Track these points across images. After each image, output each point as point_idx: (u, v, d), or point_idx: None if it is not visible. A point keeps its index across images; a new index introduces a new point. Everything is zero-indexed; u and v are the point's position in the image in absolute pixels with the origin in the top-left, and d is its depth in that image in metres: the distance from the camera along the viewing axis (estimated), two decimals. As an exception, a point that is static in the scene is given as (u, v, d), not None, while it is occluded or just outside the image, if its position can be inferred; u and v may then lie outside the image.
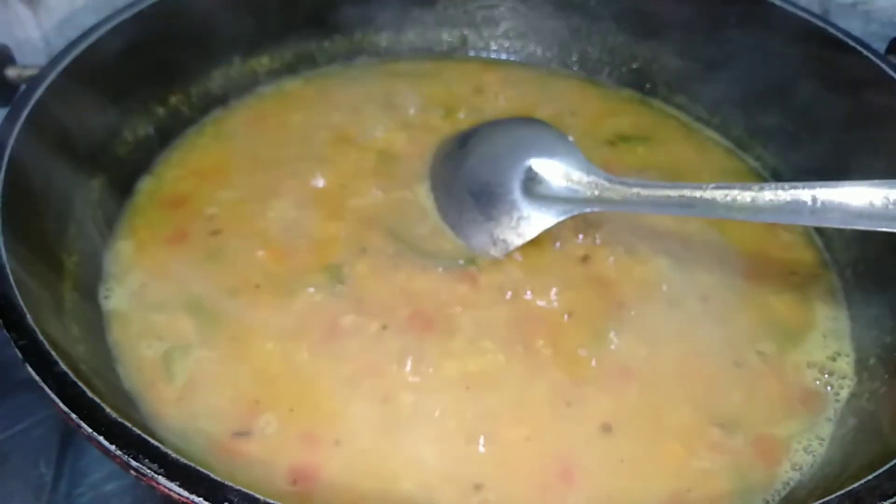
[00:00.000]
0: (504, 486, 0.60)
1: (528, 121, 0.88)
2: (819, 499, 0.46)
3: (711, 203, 0.67)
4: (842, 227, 0.63)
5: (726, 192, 0.67)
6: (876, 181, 0.60)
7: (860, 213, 0.60)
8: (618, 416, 0.65)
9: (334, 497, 0.58)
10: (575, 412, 0.65)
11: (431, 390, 0.66)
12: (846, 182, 0.61)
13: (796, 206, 0.63)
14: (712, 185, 0.68)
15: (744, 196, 0.66)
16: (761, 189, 0.65)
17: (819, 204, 0.62)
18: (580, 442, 0.64)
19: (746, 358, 0.71)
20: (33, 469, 0.72)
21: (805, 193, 0.63)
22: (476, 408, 0.65)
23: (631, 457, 0.63)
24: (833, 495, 0.44)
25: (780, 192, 0.64)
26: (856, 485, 0.44)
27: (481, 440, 0.63)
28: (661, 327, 0.72)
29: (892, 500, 0.44)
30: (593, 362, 0.69)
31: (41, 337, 0.50)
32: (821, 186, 0.62)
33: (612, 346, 0.70)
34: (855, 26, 1.15)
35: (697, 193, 0.68)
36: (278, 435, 0.62)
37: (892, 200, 0.60)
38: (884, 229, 0.60)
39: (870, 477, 0.45)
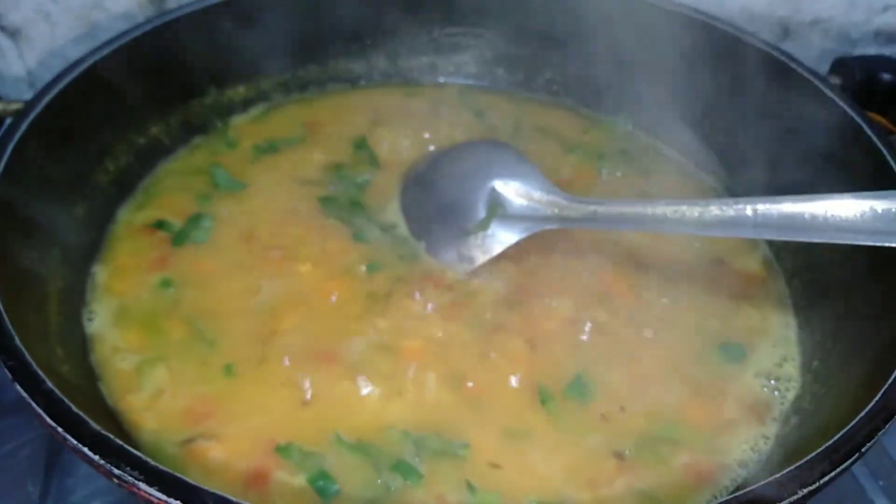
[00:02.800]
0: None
1: (492, 143, 0.93)
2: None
3: (662, 219, 0.71)
4: (782, 239, 0.67)
5: (675, 208, 0.71)
6: (813, 195, 0.64)
7: (799, 227, 0.65)
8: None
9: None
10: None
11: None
12: (786, 197, 0.65)
13: (740, 220, 0.67)
14: (662, 201, 0.72)
15: (692, 212, 0.70)
16: (707, 205, 0.69)
17: (760, 218, 0.66)
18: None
19: (701, 373, 0.74)
20: (21, 488, 0.74)
21: (748, 209, 0.67)
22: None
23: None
24: (758, 484, 0.48)
25: (724, 207, 0.68)
26: (779, 474, 0.48)
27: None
28: (615, 345, 0.75)
29: (811, 488, 0.48)
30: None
31: (29, 358, 0.54)
32: (762, 202, 0.66)
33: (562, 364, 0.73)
34: (814, 44, 1.20)
35: (649, 210, 0.72)
36: (234, 439, 0.65)
37: (828, 213, 0.64)
38: (821, 241, 0.64)
39: (791, 467, 0.49)
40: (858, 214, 0.63)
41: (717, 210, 0.69)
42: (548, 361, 0.73)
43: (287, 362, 0.71)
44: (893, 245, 0.61)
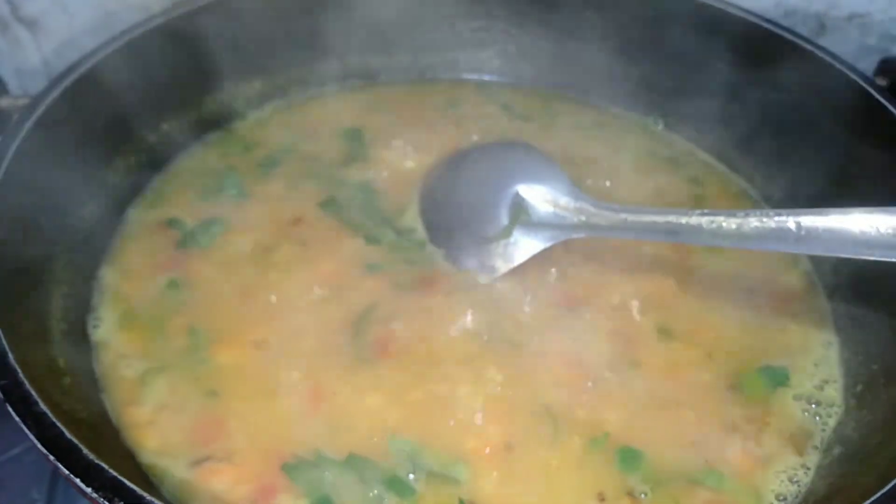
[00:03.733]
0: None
1: (516, 145, 0.89)
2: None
3: (697, 230, 0.67)
4: (827, 254, 0.63)
5: (712, 218, 0.67)
6: (863, 209, 0.60)
7: (846, 241, 0.60)
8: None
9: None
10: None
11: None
12: (832, 210, 0.61)
13: (781, 233, 0.63)
14: (698, 211, 0.68)
15: (729, 223, 0.66)
16: (747, 216, 0.65)
17: (804, 231, 0.62)
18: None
19: (740, 403, 0.70)
20: (25, 495, 0.73)
21: (790, 221, 0.63)
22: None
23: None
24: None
25: (765, 219, 0.64)
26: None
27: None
28: (645, 367, 0.71)
29: (865, 542, 0.44)
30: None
31: (22, 377, 0.51)
32: (806, 214, 0.62)
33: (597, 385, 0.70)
34: (852, 39, 1.15)
35: (683, 220, 0.68)
36: (241, 457, 0.63)
37: (879, 229, 0.59)
38: (870, 258, 0.60)
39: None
40: (912, 230, 0.58)
41: (757, 222, 0.64)
42: (568, 393, 0.69)
43: (287, 379, 0.69)
44: (951, 263, 0.57)
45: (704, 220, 0.67)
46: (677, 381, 0.70)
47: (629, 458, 0.65)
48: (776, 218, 0.63)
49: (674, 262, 0.80)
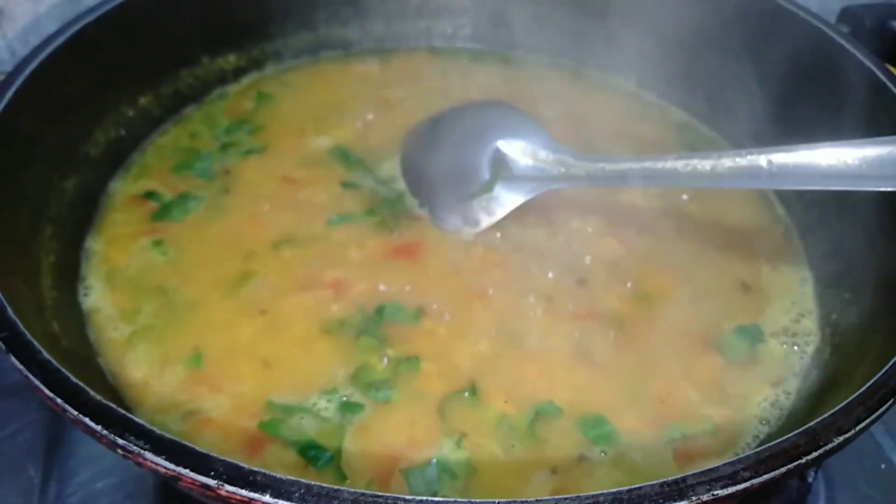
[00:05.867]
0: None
1: (495, 103, 0.90)
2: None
3: (673, 173, 0.69)
4: (797, 188, 0.66)
5: (686, 161, 0.69)
6: (828, 143, 0.62)
7: (814, 175, 0.62)
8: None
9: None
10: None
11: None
12: (800, 146, 0.63)
13: (754, 170, 0.65)
14: (673, 155, 0.70)
15: (703, 165, 0.68)
16: (720, 157, 0.67)
17: (775, 168, 0.64)
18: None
19: (715, 342, 0.72)
20: (22, 472, 0.73)
21: (762, 158, 0.65)
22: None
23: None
24: (792, 433, 0.46)
25: (738, 158, 0.66)
26: (812, 423, 0.47)
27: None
28: (628, 311, 0.73)
29: (846, 436, 0.46)
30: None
31: (23, 328, 0.51)
32: (776, 151, 0.64)
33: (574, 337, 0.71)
34: (813, 4, 1.18)
35: (659, 165, 0.70)
36: (223, 411, 0.64)
37: (845, 161, 0.62)
38: (837, 188, 0.63)
39: (826, 415, 0.47)
40: (878, 160, 0.60)
41: (731, 161, 0.66)
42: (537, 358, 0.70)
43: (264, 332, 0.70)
44: (919, 191, 0.59)
45: (680, 164, 0.69)
46: (652, 345, 0.71)
47: (592, 423, 0.65)
48: (748, 157, 0.66)
49: (651, 220, 0.82)
